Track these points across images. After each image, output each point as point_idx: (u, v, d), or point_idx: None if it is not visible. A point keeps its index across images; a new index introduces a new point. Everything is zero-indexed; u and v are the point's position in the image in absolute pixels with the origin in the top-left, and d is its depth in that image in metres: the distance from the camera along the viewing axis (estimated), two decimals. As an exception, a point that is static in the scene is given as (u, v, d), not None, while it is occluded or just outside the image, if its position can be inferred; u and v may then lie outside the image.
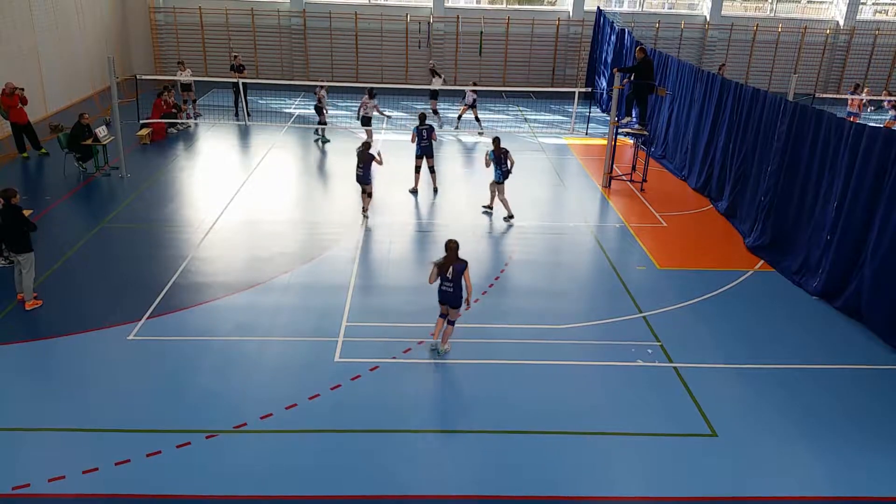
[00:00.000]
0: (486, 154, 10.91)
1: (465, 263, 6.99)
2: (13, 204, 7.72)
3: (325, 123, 15.45)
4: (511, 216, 11.08)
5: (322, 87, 15.23)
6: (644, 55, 12.91)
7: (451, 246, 6.97)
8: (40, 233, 9.94)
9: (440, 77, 17.09)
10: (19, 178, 12.47)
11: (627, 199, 12.44)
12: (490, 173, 11.21)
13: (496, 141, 10.96)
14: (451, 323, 7.22)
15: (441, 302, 7.14)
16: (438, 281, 7.03)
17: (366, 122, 14.49)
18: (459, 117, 16.82)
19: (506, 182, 10.98)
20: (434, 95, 17.05)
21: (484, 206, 11.49)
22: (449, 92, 20.40)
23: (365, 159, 10.65)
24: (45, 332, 7.45)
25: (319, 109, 15.36)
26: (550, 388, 6.77)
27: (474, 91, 16.21)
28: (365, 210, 10.99)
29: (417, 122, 12.20)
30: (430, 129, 12.10)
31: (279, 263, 9.27)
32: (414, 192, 12.25)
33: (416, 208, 11.81)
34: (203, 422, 6.04)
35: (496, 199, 11.23)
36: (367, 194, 10.91)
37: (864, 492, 5.56)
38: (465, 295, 7.01)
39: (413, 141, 12.14)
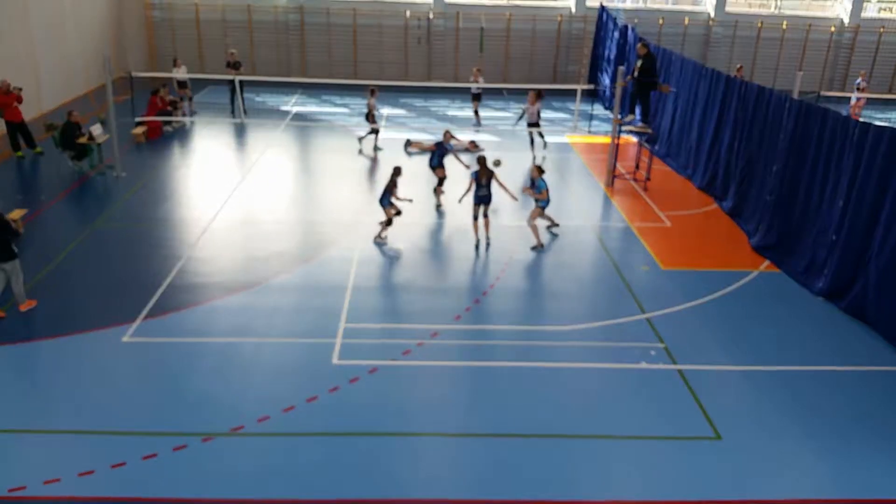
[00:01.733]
0: (526, 186, 10.09)
1: (493, 172, 9.53)
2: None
3: (376, 131, 14.38)
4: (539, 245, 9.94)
5: (372, 91, 14.41)
6: (647, 51, 12.75)
7: (482, 159, 9.58)
8: (34, 233, 9.86)
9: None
10: (14, 178, 12.37)
11: (631, 198, 12.32)
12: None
13: (483, 160, 9.68)
14: (486, 215, 9.75)
15: (479, 203, 9.61)
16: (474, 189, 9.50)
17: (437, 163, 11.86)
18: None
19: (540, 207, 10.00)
20: (477, 98, 16.60)
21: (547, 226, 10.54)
22: (450, 89, 20.27)
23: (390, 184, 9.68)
24: (39, 334, 7.35)
25: (370, 116, 14.32)
26: (552, 390, 6.68)
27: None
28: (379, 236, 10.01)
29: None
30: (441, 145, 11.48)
31: (277, 264, 9.16)
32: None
33: (417, 208, 11.68)
34: (199, 424, 5.97)
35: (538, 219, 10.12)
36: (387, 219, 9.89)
37: (871, 494, 5.48)
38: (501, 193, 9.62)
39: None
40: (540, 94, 14.02)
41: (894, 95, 21.19)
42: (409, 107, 18.52)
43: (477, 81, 16.52)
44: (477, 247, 9.75)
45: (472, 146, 14.72)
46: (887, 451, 5.94)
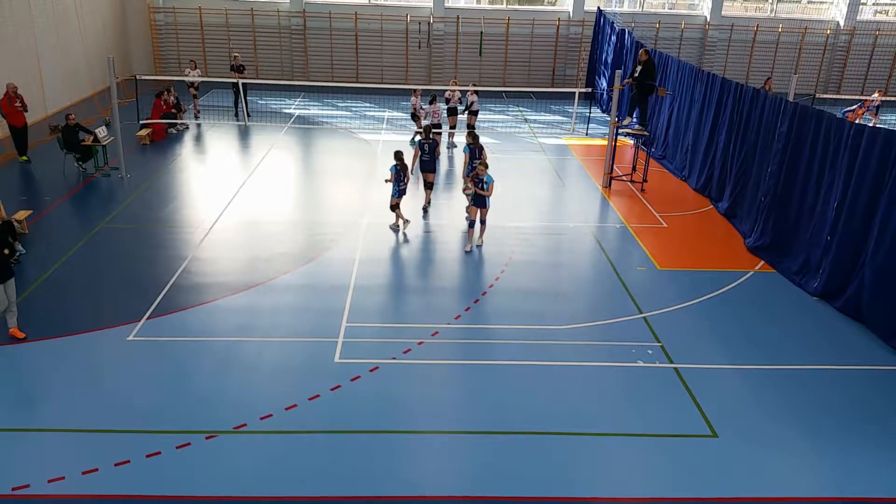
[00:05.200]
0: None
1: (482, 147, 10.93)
2: None
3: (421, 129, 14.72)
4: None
5: (415, 91, 14.87)
6: (647, 56, 12.92)
7: (474, 135, 11.00)
8: (40, 233, 9.95)
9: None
10: (19, 179, 12.46)
11: (628, 199, 12.43)
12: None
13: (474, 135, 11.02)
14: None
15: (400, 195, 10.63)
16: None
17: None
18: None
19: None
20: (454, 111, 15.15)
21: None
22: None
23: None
24: (45, 333, 7.42)
25: (415, 116, 14.92)
26: (550, 388, 6.76)
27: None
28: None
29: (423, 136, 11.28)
30: (435, 144, 11.20)
31: (279, 264, 9.26)
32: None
33: (416, 208, 11.79)
34: (203, 422, 6.04)
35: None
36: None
37: (865, 492, 5.55)
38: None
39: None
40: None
41: (890, 98, 21.29)
42: (408, 109, 18.60)
43: (455, 93, 15.16)
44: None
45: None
46: (884, 449, 6.00)
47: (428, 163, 11.13)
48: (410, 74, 21.70)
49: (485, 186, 9.63)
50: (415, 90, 14.99)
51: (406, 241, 10.37)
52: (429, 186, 11.39)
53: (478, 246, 9.91)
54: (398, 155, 10.34)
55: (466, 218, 10.40)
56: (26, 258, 9.11)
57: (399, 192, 10.42)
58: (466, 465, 5.74)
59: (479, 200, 9.78)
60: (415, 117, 15.04)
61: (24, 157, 13.07)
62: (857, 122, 16.44)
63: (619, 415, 6.40)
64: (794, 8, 23.51)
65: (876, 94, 18.14)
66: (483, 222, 9.97)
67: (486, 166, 9.77)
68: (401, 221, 10.58)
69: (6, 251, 7.02)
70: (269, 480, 5.45)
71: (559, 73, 22.20)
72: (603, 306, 8.44)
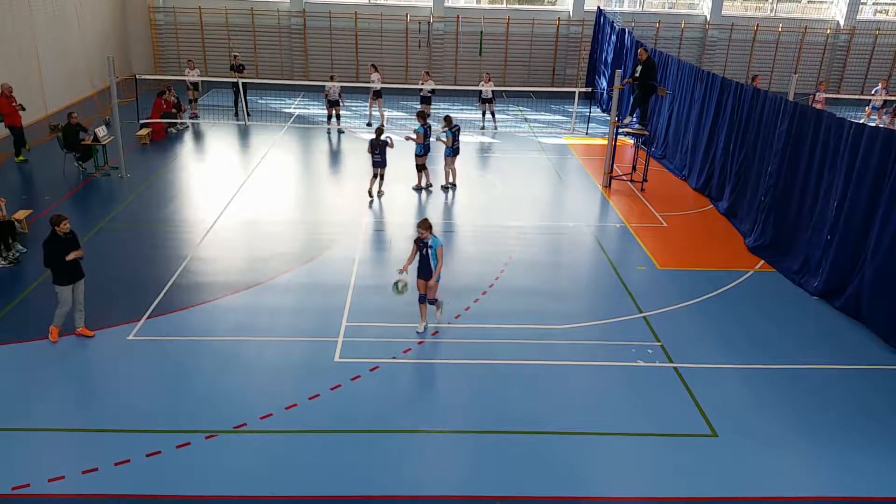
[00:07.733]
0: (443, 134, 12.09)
1: (387, 141, 11.56)
2: (55, 232, 7.03)
3: (334, 116, 15.95)
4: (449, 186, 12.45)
5: (332, 77, 15.87)
6: (647, 56, 12.91)
7: (448, 118, 12.24)
8: (40, 232, 9.92)
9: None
10: (19, 178, 12.47)
11: (628, 199, 12.44)
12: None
13: (449, 119, 12.23)
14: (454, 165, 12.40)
15: (452, 155, 12.39)
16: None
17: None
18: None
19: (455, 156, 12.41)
20: (427, 101, 16.23)
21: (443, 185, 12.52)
22: (450, 92, 20.40)
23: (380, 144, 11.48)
24: (44, 332, 7.40)
25: (333, 102, 15.90)
26: (550, 388, 6.77)
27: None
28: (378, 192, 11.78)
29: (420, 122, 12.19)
30: (430, 127, 12.34)
31: (279, 263, 9.27)
32: (417, 189, 12.41)
33: (416, 208, 11.81)
34: (203, 422, 6.05)
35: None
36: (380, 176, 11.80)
37: (865, 492, 5.55)
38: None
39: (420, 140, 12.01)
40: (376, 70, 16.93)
41: (891, 97, 21.29)
42: (408, 109, 18.62)
43: (426, 84, 16.25)
44: (444, 189, 12.32)
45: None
46: (884, 448, 6.00)
47: (426, 147, 12.23)
48: (410, 74, 21.70)
49: (431, 253, 7.24)
50: (332, 76, 15.98)
51: (406, 240, 10.37)
52: (421, 168, 12.47)
53: (420, 332, 7.54)
54: (422, 114, 12.03)
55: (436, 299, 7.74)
56: (26, 258, 9.11)
57: (424, 149, 11.86)
58: (466, 465, 5.74)
59: (423, 270, 7.36)
60: (332, 103, 15.78)
61: (20, 158, 13.06)
62: (877, 122, 16.01)
63: (618, 414, 6.40)
64: (794, 7, 23.51)
65: (879, 85, 18.06)
66: (433, 301, 7.55)
67: (430, 227, 7.26)
68: (424, 182, 12.15)
69: (75, 257, 7.07)
70: (269, 480, 5.45)
71: (559, 72, 22.20)
72: (603, 306, 8.44)
